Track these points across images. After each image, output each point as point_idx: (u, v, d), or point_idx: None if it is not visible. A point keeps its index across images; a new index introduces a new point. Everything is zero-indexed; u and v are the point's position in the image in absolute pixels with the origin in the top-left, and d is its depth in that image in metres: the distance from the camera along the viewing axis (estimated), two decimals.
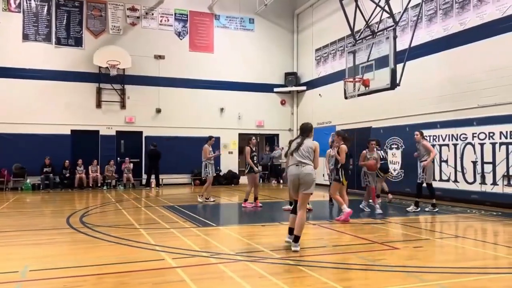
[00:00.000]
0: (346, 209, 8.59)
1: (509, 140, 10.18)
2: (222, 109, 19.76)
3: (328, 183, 10.81)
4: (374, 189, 9.96)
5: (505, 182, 10.20)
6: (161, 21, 19.11)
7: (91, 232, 7.41)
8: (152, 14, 19.04)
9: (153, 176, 17.67)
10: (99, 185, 17.16)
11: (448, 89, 12.33)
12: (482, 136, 10.84)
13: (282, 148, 19.72)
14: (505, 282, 4.59)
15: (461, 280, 4.60)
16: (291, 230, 6.15)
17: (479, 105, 11.26)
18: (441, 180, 11.80)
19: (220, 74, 19.64)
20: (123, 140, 18.42)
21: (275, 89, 20.69)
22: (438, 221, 8.91)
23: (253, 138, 11.50)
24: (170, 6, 19.22)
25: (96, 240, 6.77)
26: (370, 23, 12.21)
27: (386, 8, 11.59)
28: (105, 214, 10.07)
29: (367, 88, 11.82)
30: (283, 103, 21.00)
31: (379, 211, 9.60)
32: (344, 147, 8.83)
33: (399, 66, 11.08)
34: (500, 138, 10.38)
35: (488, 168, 10.64)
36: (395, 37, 11.10)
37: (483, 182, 10.74)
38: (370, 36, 12.27)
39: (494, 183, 10.45)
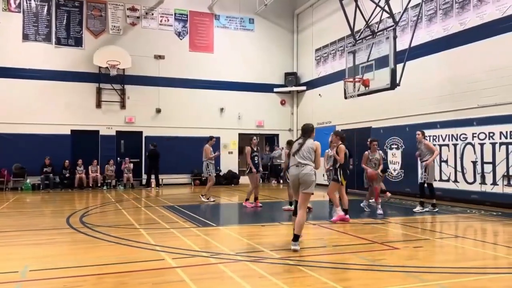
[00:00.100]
0: (339, 212, 8.56)
1: (509, 140, 10.18)
2: (222, 109, 19.76)
3: (327, 183, 10.80)
4: (377, 189, 9.91)
5: (505, 182, 10.20)
6: (161, 21, 19.11)
7: (91, 232, 7.41)
8: (152, 14, 19.05)
9: (153, 176, 17.68)
10: (99, 185, 17.16)
11: (448, 89, 12.34)
12: (482, 136, 10.84)
13: (282, 148, 19.71)
14: (505, 282, 4.59)
15: (461, 280, 4.60)
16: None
17: (479, 105, 11.26)
18: (441, 180, 11.80)
19: (220, 74, 19.64)
20: (123, 140, 18.42)
21: (275, 89, 20.69)
22: (438, 221, 8.91)
23: (254, 138, 11.51)
24: (170, 6, 19.22)
25: (96, 240, 6.77)
26: (370, 23, 12.21)
27: (386, 8, 11.59)
28: (105, 214, 10.07)
29: (367, 88, 11.82)
30: (283, 103, 21.01)
31: (379, 211, 9.59)
32: (342, 147, 8.81)
33: (399, 66, 11.08)
34: (500, 138, 10.38)
35: (488, 168, 10.65)
36: (395, 37, 11.10)
37: (483, 182, 10.74)
38: (370, 36, 12.27)
39: (494, 183, 10.45)
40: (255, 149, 11.28)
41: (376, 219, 9.00)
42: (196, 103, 19.19)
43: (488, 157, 10.64)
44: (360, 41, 12.64)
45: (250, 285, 4.36)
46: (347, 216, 8.65)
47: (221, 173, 19.12)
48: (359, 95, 12.21)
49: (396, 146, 13.57)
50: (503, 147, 10.29)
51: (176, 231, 7.50)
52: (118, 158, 18.01)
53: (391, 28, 11.48)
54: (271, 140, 21.13)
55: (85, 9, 18.05)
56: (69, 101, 17.52)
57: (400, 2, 12.10)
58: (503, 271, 5.03)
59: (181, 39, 19.36)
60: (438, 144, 11.95)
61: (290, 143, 10.67)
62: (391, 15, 11.63)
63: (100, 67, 17.75)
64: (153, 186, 17.57)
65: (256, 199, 10.91)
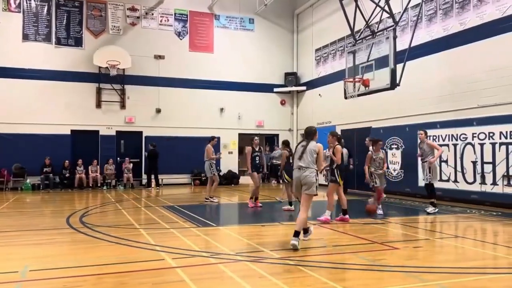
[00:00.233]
0: (327, 215, 8.50)
1: (509, 140, 10.18)
2: (222, 109, 19.76)
3: (326, 183, 10.79)
4: (380, 190, 9.84)
5: (505, 182, 10.20)
6: (161, 21, 19.11)
7: (91, 232, 7.42)
8: (152, 14, 19.05)
9: (152, 176, 17.67)
10: (99, 185, 17.16)
11: (448, 89, 12.34)
12: (482, 136, 10.84)
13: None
14: (505, 282, 4.59)
15: (461, 280, 4.60)
16: (304, 230, 6.45)
17: (479, 105, 11.26)
18: (441, 180, 11.79)
19: (220, 74, 19.64)
20: (123, 140, 18.42)
21: (275, 89, 20.69)
22: (438, 221, 8.91)
23: (256, 138, 11.52)
24: (170, 6, 19.22)
25: (96, 240, 6.77)
26: (370, 23, 12.20)
27: (386, 8, 11.59)
28: (105, 214, 10.07)
29: (367, 88, 11.81)
30: (283, 103, 21.01)
31: (380, 211, 9.59)
32: (339, 147, 8.78)
33: (399, 66, 11.07)
34: (500, 138, 10.38)
35: (488, 168, 10.65)
36: (395, 37, 11.09)
37: (483, 182, 10.74)
38: (370, 36, 12.27)
39: (494, 183, 10.45)
40: (256, 149, 11.28)
41: (376, 219, 9.00)
42: (196, 103, 19.19)
43: (488, 157, 10.64)
44: (360, 41, 12.63)
45: (250, 285, 4.36)
46: (347, 216, 8.65)
47: (221, 173, 19.11)
48: (359, 95, 12.21)
49: (396, 146, 13.57)
50: (503, 147, 10.29)
51: (176, 231, 7.50)
52: (118, 158, 18.02)
53: (391, 28, 11.48)
54: (271, 140, 21.13)
55: (85, 9, 18.06)
56: (69, 101, 17.52)
57: (400, 2, 12.10)
58: (503, 271, 5.04)
59: (181, 39, 19.37)
60: (438, 144, 11.93)
61: (286, 144, 10.72)
62: (391, 15, 11.63)
63: (100, 67, 17.76)
64: (153, 186, 17.57)
65: (256, 199, 10.91)
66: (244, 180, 19.14)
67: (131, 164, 17.78)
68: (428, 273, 4.77)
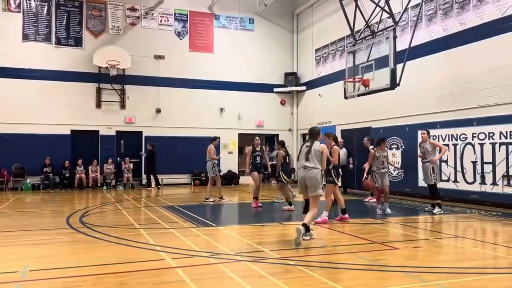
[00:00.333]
0: (324, 215, 8.49)
1: (509, 140, 10.18)
2: (222, 109, 19.76)
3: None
4: (380, 190, 9.82)
5: (505, 182, 10.20)
6: (161, 21, 19.12)
7: (91, 232, 7.42)
8: (152, 14, 19.05)
9: (152, 176, 17.68)
10: (99, 185, 17.17)
11: (448, 89, 12.34)
12: (482, 136, 10.84)
13: None
14: (505, 282, 4.59)
15: (461, 280, 4.60)
16: (307, 228, 6.42)
17: (479, 105, 11.26)
18: (441, 180, 11.79)
19: (220, 74, 19.64)
20: (123, 140, 18.42)
21: (275, 89, 20.70)
22: (438, 221, 8.91)
23: (256, 138, 11.51)
24: (170, 6, 19.23)
25: (96, 240, 6.77)
26: (370, 23, 12.21)
27: (386, 8, 11.59)
28: (105, 214, 10.07)
29: (367, 88, 11.81)
30: (283, 103, 21.01)
31: (379, 211, 9.59)
32: (336, 148, 8.76)
33: (399, 66, 11.07)
34: (500, 138, 10.38)
35: (488, 168, 10.65)
36: (395, 37, 11.09)
37: (483, 182, 10.74)
38: (370, 36, 12.27)
39: (494, 183, 10.45)
40: (257, 148, 11.28)
41: (376, 219, 9.00)
42: (196, 103, 19.19)
43: (488, 157, 10.64)
44: (360, 41, 12.64)
45: (250, 285, 4.36)
46: (346, 215, 8.64)
47: (221, 173, 19.10)
48: (359, 95, 12.21)
49: (396, 146, 13.57)
50: (503, 147, 10.29)
51: (176, 231, 7.50)
52: (118, 158, 18.02)
53: (391, 28, 11.48)
54: (271, 140, 21.12)
55: (85, 9, 18.06)
56: (69, 101, 17.52)
57: (400, 2, 12.10)
58: (503, 271, 5.04)
59: (181, 39, 19.37)
60: None
61: (282, 144, 10.72)
62: (391, 15, 11.63)
63: (100, 67, 17.76)
64: (153, 186, 17.58)
65: (256, 199, 10.90)
66: (244, 180, 19.14)
67: (131, 164, 17.78)
68: (428, 273, 4.77)
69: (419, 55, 12.95)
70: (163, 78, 18.85)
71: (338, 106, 16.68)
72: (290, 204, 10.28)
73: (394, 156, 13.57)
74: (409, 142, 12.93)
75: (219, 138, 12.90)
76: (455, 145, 11.57)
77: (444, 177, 11.76)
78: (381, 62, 11.50)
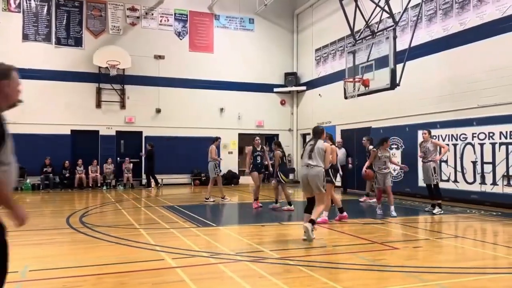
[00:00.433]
0: (324, 215, 8.49)
1: (509, 140, 10.18)
2: (222, 109, 19.77)
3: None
4: (380, 190, 9.75)
5: (505, 182, 10.20)
6: (161, 21, 19.12)
7: (91, 232, 7.42)
8: (152, 14, 19.05)
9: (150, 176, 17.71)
10: (99, 185, 17.17)
11: (448, 89, 12.34)
12: (482, 136, 10.84)
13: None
14: (505, 282, 4.59)
15: (461, 280, 4.60)
16: (312, 221, 6.55)
17: (479, 105, 11.26)
18: (441, 180, 11.79)
19: (220, 74, 19.64)
20: (123, 140, 18.42)
21: (275, 89, 20.70)
22: (438, 221, 8.91)
23: (257, 138, 11.51)
24: (170, 6, 19.23)
25: (96, 240, 6.77)
26: (370, 23, 12.21)
27: (386, 8, 11.59)
28: (105, 214, 10.07)
29: (367, 88, 11.81)
30: (283, 103, 21.01)
31: (379, 211, 9.57)
32: (334, 147, 8.77)
33: (399, 66, 11.07)
34: (500, 138, 10.38)
35: (488, 168, 10.64)
36: (395, 37, 11.09)
37: (483, 182, 10.74)
38: (370, 36, 12.27)
39: (494, 183, 10.45)
40: (258, 148, 11.28)
41: (376, 219, 9.00)
42: (196, 103, 19.19)
43: (488, 157, 10.64)
44: (360, 41, 12.63)
45: (250, 285, 4.36)
46: (344, 213, 8.62)
47: (221, 173, 19.09)
48: (359, 95, 12.21)
49: (396, 146, 13.57)
50: (503, 147, 10.29)
51: (176, 231, 7.50)
52: (118, 158, 18.02)
53: (391, 28, 11.48)
54: (271, 140, 21.10)
55: (85, 9, 18.06)
56: (69, 101, 17.52)
57: (400, 2, 12.10)
58: (503, 271, 5.04)
59: (181, 39, 19.37)
60: None
61: (278, 144, 10.72)
62: (391, 15, 11.63)
63: (100, 67, 17.76)
64: (153, 186, 17.58)
65: (256, 200, 10.89)
66: (244, 180, 19.14)
67: (131, 164, 17.78)
68: (428, 273, 4.77)
69: (419, 55, 12.94)
70: (163, 78, 18.85)
71: (338, 106, 16.68)
72: (290, 204, 10.28)
73: (394, 156, 13.54)
74: (409, 142, 12.93)
75: (220, 138, 12.87)
76: (455, 145, 11.57)
77: (444, 177, 11.76)
78: (381, 62, 11.50)
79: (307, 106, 20.17)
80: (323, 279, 4.53)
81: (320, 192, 6.64)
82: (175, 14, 19.35)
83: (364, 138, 12.88)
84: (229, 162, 19.58)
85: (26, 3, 17.25)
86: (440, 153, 10.07)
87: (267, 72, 20.48)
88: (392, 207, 9.30)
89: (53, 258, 5.59)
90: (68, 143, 17.51)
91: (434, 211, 9.66)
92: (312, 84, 19.67)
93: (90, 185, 16.98)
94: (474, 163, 10.99)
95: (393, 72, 10.93)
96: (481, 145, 10.84)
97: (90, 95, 17.97)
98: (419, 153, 10.47)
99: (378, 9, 11.95)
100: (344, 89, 12.86)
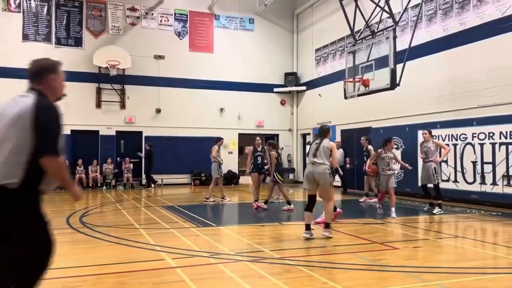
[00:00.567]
0: (324, 215, 8.48)
1: (509, 140, 10.18)
2: (222, 109, 19.76)
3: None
4: (383, 192, 9.64)
5: (505, 182, 10.20)
6: (161, 21, 19.12)
7: (91, 232, 7.41)
8: (152, 14, 19.05)
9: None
10: (98, 185, 17.16)
11: (448, 89, 12.34)
12: (482, 136, 10.84)
13: (282, 148, 19.72)
14: (505, 282, 4.59)
15: (461, 280, 4.60)
16: (307, 226, 6.72)
17: (479, 105, 11.26)
18: (441, 180, 11.79)
19: (220, 74, 19.64)
20: (123, 140, 18.42)
21: (275, 89, 20.70)
22: (438, 221, 8.91)
23: (257, 138, 11.50)
24: (170, 6, 19.22)
25: (96, 240, 6.77)
26: (370, 23, 12.21)
27: (386, 8, 11.59)
28: (105, 214, 10.07)
29: (367, 88, 11.81)
30: (283, 103, 21.01)
31: (380, 211, 9.56)
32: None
33: (399, 66, 11.07)
34: (500, 138, 10.38)
35: (488, 168, 10.64)
36: (395, 37, 11.10)
37: (483, 182, 10.74)
38: (370, 36, 12.27)
39: (494, 183, 10.45)
40: (258, 149, 11.27)
41: (376, 219, 9.00)
42: (196, 103, 19.19)
43: (488, 157, 10.64)
44: (360, 41, 12.64)
45: (250, 285, 4.36)
46: (338, 209, 8.46)
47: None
48: (359, 95, 12.21)
49: (396, 146, 13.55)
50: (503, 147, 10.29)
51: (176, 231, 7.50)
52: (118, 158, 18.02)
53: (391, 28, 11.48)
54: (271, 140, 21.09)
55: (85, 9, 18.06)
56: (69, 101, 17.38)
57: (400, 2, 12.10)
58: (503, 271, 5.04)
59: (181, 39, 19.37)
60: None
61: (273, 145, 10.73)
62: (391, 15, 11.63)
63: (100, 67, 17.76)
64: (153, 186, 17.60)
65: (256, 201, 10.86)
66: (244, 180, 19.13)
67: (131, 164, 17.78)
68: (428, 273, 4.77)
69: (419, 55, 12.94)
70: (163, 78, 18.84)
71: (338, 106, 16.67)
72: (289, 204, 10.29)
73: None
74: (409, 142, 12.92)
75: (222, 139, 12.83)
76: (455, 145, 11.57)
77: (444, 177, 11.75)
78: (381, 62, 11.50)
79: (307, 106, 20.17)
80: (323, 279, 4.53)
81: (328, 189, 6.85)
82: (175, 14, 19.35)
83: (362, 138, 12.90)
84: (229, 162, 19.55)
85: (26, 3, 17.25)
86: (440, 153, 10.06)
87: (267, 72, 20.47)
88: (393, 209, 9.25)
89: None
90: (68, 143, 17.49)
91: (434, 211, 9.65)
92: (312, 84, 19.66)
93: (90, 185, 16.97)
94: (474, 163, 10.99)
95: (393, 72, 10.93)
96: (481, 145, 10.84)
97: (90, 95, 17.97)
98: (419, 154, 10.45)
99: (378, 9, 11.95)
100: (344, 89, 12.86)
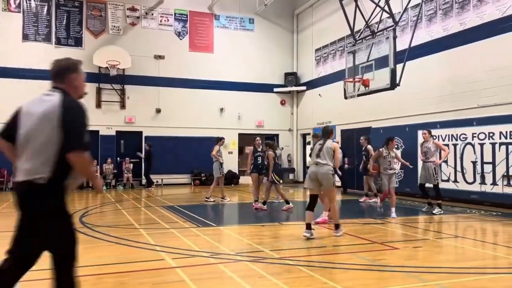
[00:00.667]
0: (324, 216, 8.46)
1: (509, 140, 10.18)
2: (222, 109, 19.76)
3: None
4: (386, 192, 9.62)
5: (505, 182, 10.20)
6: (161, 21, 19.12)
7: (91, 232, 7.41)
8: (152, 14, 19.05)
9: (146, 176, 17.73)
10: None
11: (448, 89, 12.34)
12: (482, 136, 10.84)
13: (282, 148, 19.72)
14: (505, 282, 4.59)
15: (461, 280, 4.60)
16: (308, 226, 6.76)
17: (479, 105, 11.26)
18: (441, 180, 11.78)
19: (220, 74, 19.64)
20: (123, 140, 18.42)
21: (275, 89, 20.70)
22: (438, 221, 8.91)
23: (257, 138, 11.50)
24: (170, 6, 19.23)
25: (96, 240, 6.77)
26: (370, 23, 12.21)
27: (386, 8, 11.60)
28: (105, 214, 10.07)
29: (367, 88, 11.82)
30: (283, 103, 21.01)
31: (379, 210, 9.55)
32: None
33: (399, 66, 11.08)
34: (500, 138, 10.38)
35: (488, 168, 10.64)
36: (395, 37, 11.10)
37: (482, 182, 10.74)
38: (370, 36, 12.27)
39: (494, 183, 10.45)
40: (258, 149, 11.27)
41: (376, 219, 9.00)
42: (196, 103, 19.19)
43: (488, 157, 10.64)
44: (360, 41, 12.64)
45: (250, 285, 4.36)
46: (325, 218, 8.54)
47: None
48: (359, 95, 12.21)
49: (396, 146, 13.54)
50: (503, 147, 10.29)
51: (176, 231, 7.50)
52: (118, 158, 18.01)
53: (391, 28, 11.49)
54: (271, 140, 21.10)
55: (85, 9, 18.06)
56: None
57: (400, 2, 12.10)
58: (503, 271, 5.04)
59: (181, 39, 19.37)
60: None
61: (270, 145, 10.73)
62: (391, 15, 11.63)
63: (100, 67, 17.76)
64: (153, 186, 17.59)
65: (256, 200, 10.87)
66: (244, 180, 19.13)
67: (131, 164, 17.78)
68: (428, 273, 4.77)
69: (419, 55, 12.94)
70: (163, 78, 18.84)
71: (338, 106, 16.68)
72: (287, 203, 10.31)
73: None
74: (409, 142, 12.92)
75: (224, 139, 12.81)
76: (455, 145, 11.57)
77: (444, 177, 11.75)
78: (381, 62, 11.50)
79: (307, 106, 20.17)
80: (323, 279, 4.53)
81: (331, 189, 7.02)
82: (175, 14, 19.35)
83: (361, 138, 12.93)
84: (229, 162, 19.52)
85: (26, 3, 17.25)
86: (440, 155, 10.05)
87: (267, 72, 20.47)
88: (393, 209, 9.24)
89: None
90: None
91: (434, 211, 9.65)
92: (312, 84, 19.66)
93: (90, 185, 16.95)
94: (474, 163, 10.99)
95: (393, 72, 10.93)
96: (481, 145, 10.84)
97: (90, 95, 17.94)
98: (419, 155, 10.43)
99: (378, 9, 11.95)
100: (344, 89, 12.86)
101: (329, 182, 6.90)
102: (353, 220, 8.64)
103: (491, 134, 10.60)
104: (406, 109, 13.66)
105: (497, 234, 7.69)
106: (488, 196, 10.62)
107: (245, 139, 19.67)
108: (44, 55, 17.32)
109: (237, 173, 19.74)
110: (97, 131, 17.98)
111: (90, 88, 17.95)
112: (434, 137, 10.96)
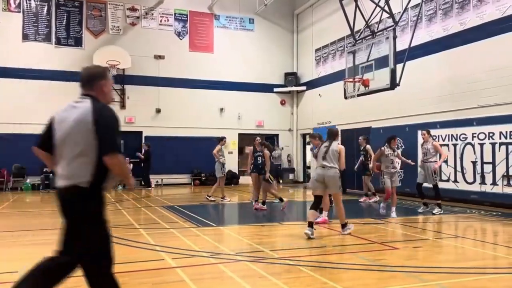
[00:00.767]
0: (324, 216, 8.45)
1: (509, 140, 10.18)
2: (222, 109, 19.76)
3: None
4: (389, 191, 9.50)
5: (505, 182, 10.20)
6: (161, 21, 19.12)
7: None
8: (152, 14, 19.05)
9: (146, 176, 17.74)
10: None
11: (448, 89, 12.34)
12: (482, 136, 10.84)
13: (282, 148, 19.74)
14: (505, 282, 4.60)
15: (461, 280, 4.60)
16: (310, 224, 6.79)
17: (479, 105, 11.26)
18: (441, 180, 11.77)
19: (220, 74, 19.64)
20: (123, 140, 18.29)
21: (275, 89, 20.69)
22: (438, 221, 8.91)
23: (257, 138, 11.50)
24: (170, 6, 19.22)
25: None
26: (370, 23, 12.21)
27: (386, 8, 11.60)
28: None
29: (367, 88, 11.82)
30: (283, 103, 21.01)
31: (383, 211, 9.50)
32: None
33: (399, 66, 11.08)
34: (500, 138, 10.38)
35: (487, 168, 10.64)
36: (395, 37, 11.10)
37: (482, 182, 10.74)
38: (370, 36, 12.27)
39: (494, 183, 10.45)
40: (258, 149, 11.27)
41: (376, 219, 9.00)
42: (196, 103, 19.19)
43: (488, 157, 10.64)
44: (360, 41, 12.64)
45: (250, 285, 4.36)
46: (325, 217, 8.50)
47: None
48: (359, 95, 12.21)
49: (396, 146, 13.54)
50: (503, 147, 10.29)
51: (176, 231, 7.50)
52: None
53: (391, 28, 11.49)
54: (271, 140, 21.11)
55: (85, 9, 18.06)
56: (69, 101, 17.47)
57: (400, 2, 12.10)
58: (503, 271, 5.04)
59: (181, 39, 19.37)
60: (439, 146, 11.92)
61: (265, 145, 10.75)
62: (391, 15, 11.63)
63: None
64: (153, 186, 17.60)
65: (256, 201, 10.87)
66: (244, 180, 19.14)
67: (131, 165, 17.76)
68: (428, 273, 4.77)
69: (419, 55, 12.94)
70: (163, 78, 18.84)
71: (338, 106, 16.68)
72: (281, 200, 10.37)
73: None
74: (409, 142, 12.92)
75: (225, 138, 12.81)
76: (455, 145, 11.57)
77: (444, 177, 11.75)
78: (381, 62, 11.50)
79: (307, 106, 20.17)
80: (323, 279, 4.53)
81: (337, 191, 7.12)
82: (175, 14, 19.35)
83: (360, 137, 12.94)
84: (229, 162, 19.48)
85: (26, 3, 17.25)
86: (440, 157, 10.04)
87: (267, 72, 20.47)
88: (394, 208, 9.24)
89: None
90: None
91: (434, 211, 9.65)
92: (312, 84, 19.66)
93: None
94: (474, 163, 10.99)
95: (393, 72, 10.93)
96: (481, 145, 10.84)
97: None
98: (421, 157, 10.40)
99: (378, 9, 11.95)
100: (344, 89, 12.87)
101: (335, 185, 7.00)
102: (353, 220, 8.60)
103: (491, 134, 10.60)
104: (406, 109, 13.66)
105: (497, 234, 7.70)
106: (488, 196, 10.62)
107: (245, 139, 19.67)
108: (44, 55, 17.35)
109: (237, 173, 19.73)
110: None
111: None
112: (434, 137, 10.96)
